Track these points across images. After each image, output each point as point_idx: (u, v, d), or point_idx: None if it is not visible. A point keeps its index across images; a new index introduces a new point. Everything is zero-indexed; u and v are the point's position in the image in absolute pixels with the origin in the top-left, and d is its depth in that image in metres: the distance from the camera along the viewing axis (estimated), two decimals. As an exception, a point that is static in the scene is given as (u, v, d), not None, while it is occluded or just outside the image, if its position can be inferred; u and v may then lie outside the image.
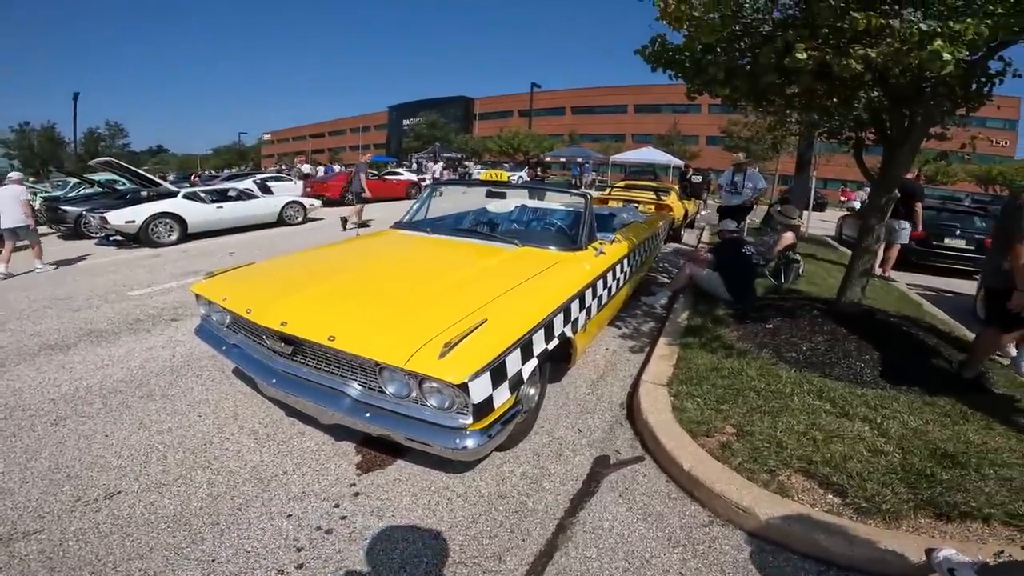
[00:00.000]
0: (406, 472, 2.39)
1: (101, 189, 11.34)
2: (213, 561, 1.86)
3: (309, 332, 2.13)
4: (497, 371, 2.00)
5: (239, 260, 7.01)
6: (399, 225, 4.03)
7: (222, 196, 9.78)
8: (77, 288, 5.71)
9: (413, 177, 20.91)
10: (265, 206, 10.44)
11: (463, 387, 1.81)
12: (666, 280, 5.76)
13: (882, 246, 4.12)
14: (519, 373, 2.17)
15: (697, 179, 14.13)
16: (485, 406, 1.94)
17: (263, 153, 78.06)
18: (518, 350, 2.15)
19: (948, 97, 3.32)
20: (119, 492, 2.22)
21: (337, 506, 2.14)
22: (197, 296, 2.85)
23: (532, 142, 35.01)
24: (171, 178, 19.55)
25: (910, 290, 6.47)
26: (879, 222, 4.04)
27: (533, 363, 2.30)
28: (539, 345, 2.36)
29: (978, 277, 6.30)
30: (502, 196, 4.63)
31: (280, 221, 10.68)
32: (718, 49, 3.48)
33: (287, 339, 2.25)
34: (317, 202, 11.85)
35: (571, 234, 3.63)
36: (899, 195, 5.30)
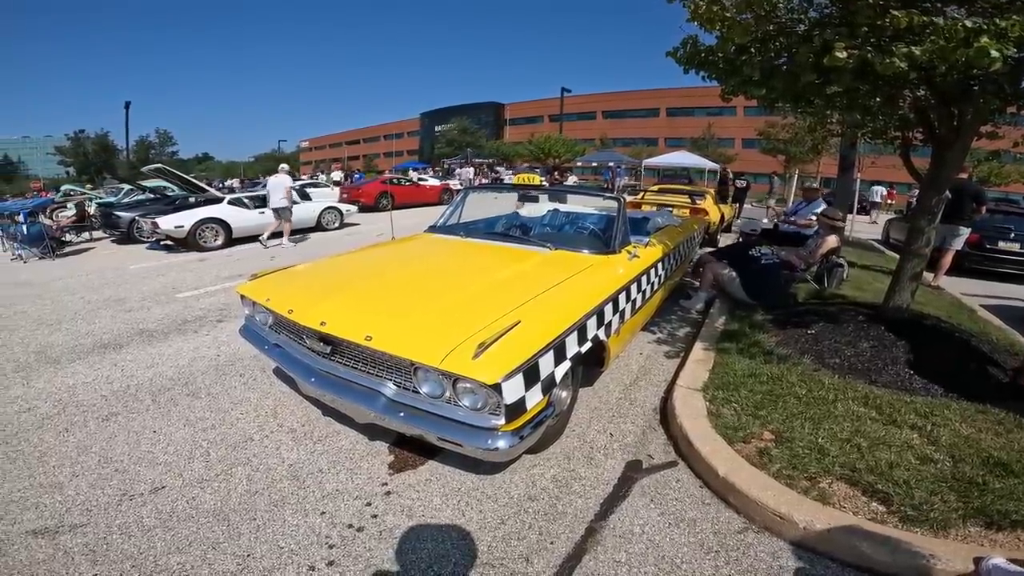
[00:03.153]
0: (437, 472, 2.42)
1: (153, 195, 11.90)
2: (248, 556, 1.91)
3: (347, 332, 2.20)
4: (530, 373, 2.00)
5: (279, 264, 7.38)
6: (433, 229, 4.12)
7: (264, 202, 10.14)
8: (131, 290, 6.06)
9: (444, 183, 21.16)
10: (304, 211, 10.73)
11: (496, 387, 1.82)
12: (697, 284, 5.64)
13: (929, 250, 3.92)
14: (552, 375, 2.17)
15: (741, 183, 13.72)
16: (518, 407, 1.95)
17: (301, 160, 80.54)
18: (551, 352, 2.15)
19: (997, 95, 3.13)
20: (164, 487, 2.33)
21: (369, 504, 2.19)
22: (242, 297, 2.97)
23: (563, 147, 34.90)
24: (216, 183, 20.42)
25: (962, 296, 6.10)
26: (929, 224, 3.86)
27: (566, 365, 2.30)
28: (572, 348, 2.36)
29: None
30: (535, 200, 4.64)
31: (318, 226, 11.05)
32: (752, 49, 3.38)
33: (326, 339, 2.33)
34: (353, 208, 12.16)
35: (604, 237, 3.63)
36: (951, 196, 5.21)
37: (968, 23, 2.42)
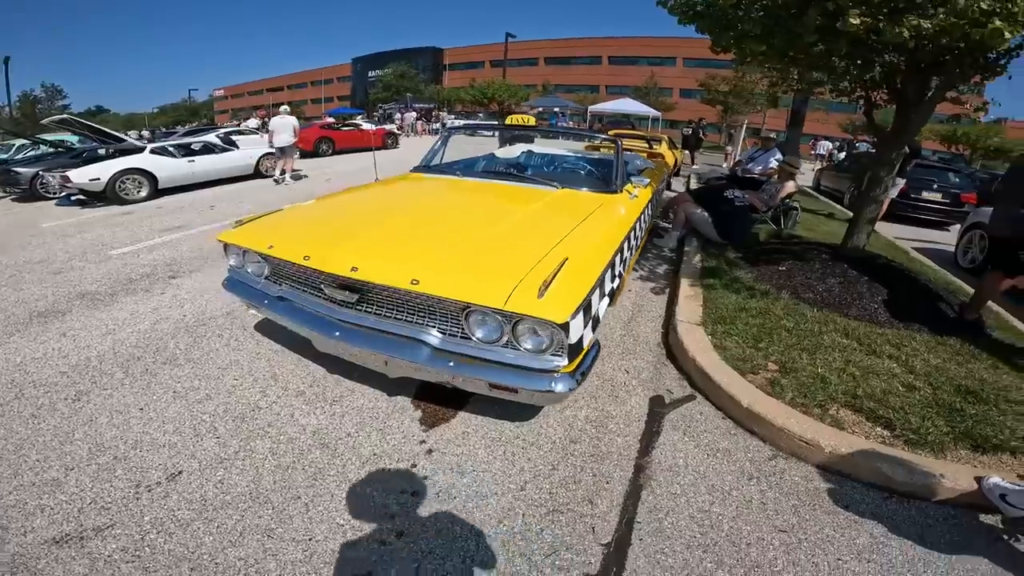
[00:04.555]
0: (472, 424, 2.35)
1: (54, 149, 10.43)
2: (310, 540, 1.75)
3: (386, 277, 1.99)
4: (586, 310, 1.96)
5: (225, 212, 6.94)
6: (422, 168, 3.92)
7: (193, 149, 9.16)
8: (51, 251, 5.29)
9: (381, 128, 20.04)
10: (241, 158, 9.93)
11: (564, 327, 1.75)
12: (667, 226, 5.87)
13: (885, 197, 4.34)
14: (598, 312, 2.16)
15: (687, 131, 14.50)
16: (577, 346, 1.91)
17: (216, 109, 73.35)
18: (598, 289, 2.12)
19: (971, 66, 3.40)
20: (180, 472, 2.09)
21: (415, 466, 2.08)
22: (226, 246, 2.64)
23: (507, 92, 33.77)
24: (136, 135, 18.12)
25: (896, 240, 6.71)
26: (888, 174, 4.20)
27: (605, 302, 2.31)
28: (608, 284, 2.37)
29: (957, 228, 6.72)
30: (529, 141, 4.55)
31: (257, 173, 10.23)
32: (754, 5, 3.42)
33: (353, 286, 2.12)
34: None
35: (606, 177, 3.60)
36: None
37: (984, 4, 2.56)
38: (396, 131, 20.01)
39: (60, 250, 5.29)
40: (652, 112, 25.28)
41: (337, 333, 2.19)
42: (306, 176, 10.61)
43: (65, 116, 8.05)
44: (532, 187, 3.31)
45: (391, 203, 3.14)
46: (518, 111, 33.54)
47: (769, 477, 2.06)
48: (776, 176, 6.37)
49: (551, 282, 1.79)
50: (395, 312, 2.11)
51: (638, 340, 3.25)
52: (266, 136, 16.20)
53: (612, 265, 2.44)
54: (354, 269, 2.04)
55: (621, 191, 3.33)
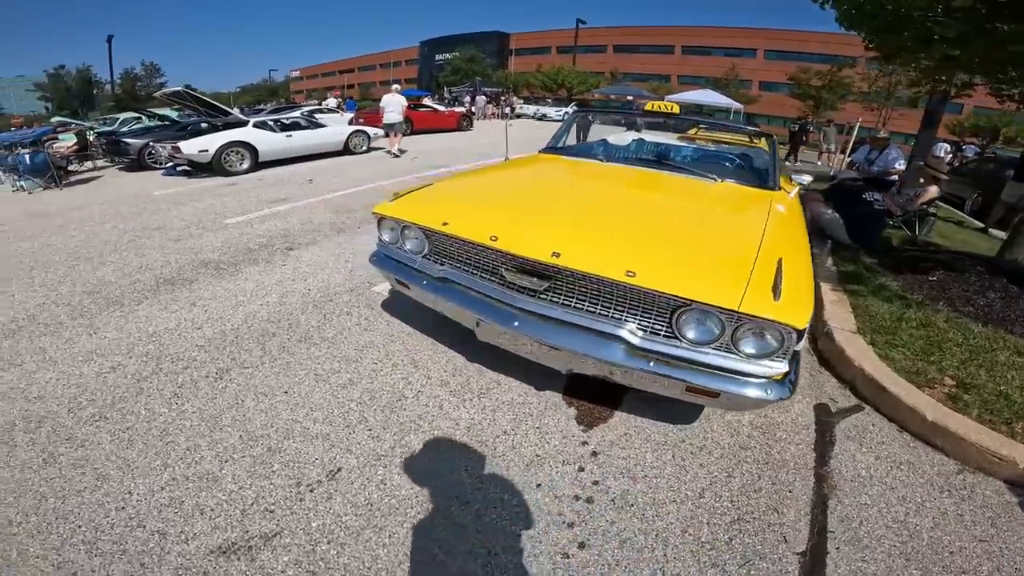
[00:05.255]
0: (633, 425, 2.18)
1: (160, 122, 10.98)
2: (489, 553, 1.53)
3: (596, 266, 1.77)
4: None
5: (323, 186, 6.89)
6: (551, 150, 3.63)
7: (290, 125, 9.28)
8: (166, 218, 5.34)
9: (452, 111, 19.94)
10: (332, 135, 10.00)
11: (801, 332, 1.61)
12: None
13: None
14: None
15: (793, 127, 13.51)
16: (797, 352, 1.77)
17: (292, 89, 76.78)
18: None
19: None
20: (339, 469, 1.85)
21: (582, 470, 1.90)
22: (382, 218, 2.39)
23: (576, 78, 32.80)
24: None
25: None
26: None
27: None
28: None
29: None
30: (671, 129, 4.27)
31: (346, 150, 10.30)
32: (952, 13, 3.30)
33: (542, 273, 1.88)
34: (380, 131, 11.24)
35: (762, 172, 3.29)
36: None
37: None
38: (470, 114, 19.79)
39: (175, 217, 5.32)
40: (734, 104, 23.76)
41: (516, 323, 1.94)
42: (396, 153, 10.55)
43: (179, 89, 8.27)
44: (691, 178, 3.02)
45: (554, 185, 2.86)
46: (588, 98, 32.63)
47: (960, 490, 1.94)
48: (900, 179, 5.75)
49: (779, 283, 1.67)
50: (587, 304, 1.88)
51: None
52: (345, 115, 16.84)
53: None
54: (555, 255, 1.83)
55: (779, 188, 3.05)
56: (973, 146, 19.44)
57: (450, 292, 2.16)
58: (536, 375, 2.36)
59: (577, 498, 1.76)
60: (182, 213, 5.52)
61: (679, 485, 1.86)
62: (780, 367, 1.69)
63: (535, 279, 1.89)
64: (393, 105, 9.99)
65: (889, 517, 1.78)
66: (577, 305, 1.88)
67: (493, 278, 2.05)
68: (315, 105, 20.14)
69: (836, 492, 1.88)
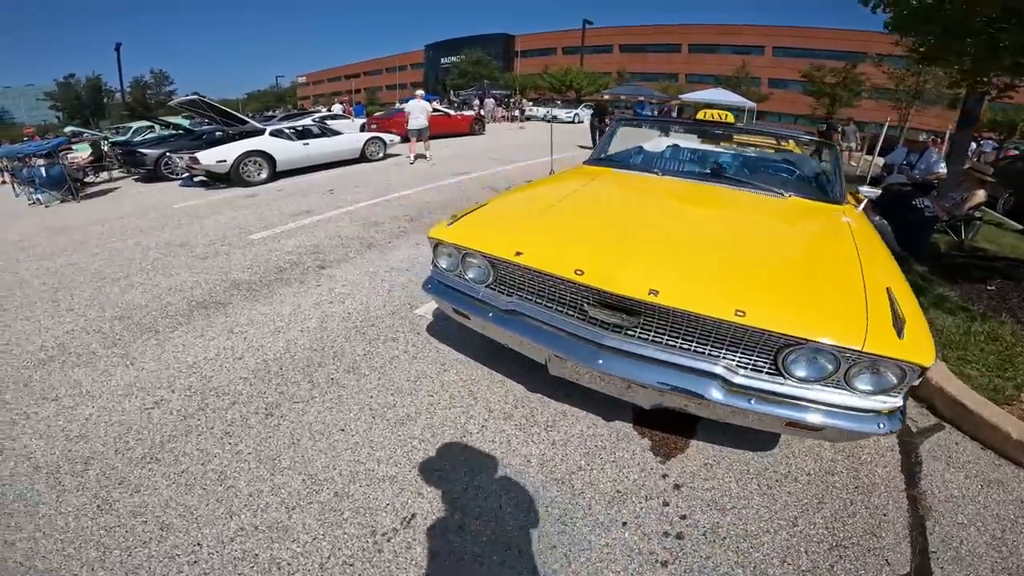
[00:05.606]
0: (711, 455, 2.10)
1: (175, 131, 10.91)
2: None
3: (703, 306, 1.64)
4: None
5: (345, 197, 6.75)
6: (597, 162, 3.48)
7: (306, 133, 9.20)
8: (189, 233, 5.22)
9: (462, 114, 19.84)
10: (349, 142, 9.89)
11: (925, 369, 1.53)
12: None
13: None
14: None
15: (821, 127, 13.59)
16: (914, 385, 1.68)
17: (299, 95, 77.25)
18: None
19: None
20: (413, 515, 1.71)
21: (667, 504, 1.83)
22: (438, 244, 2.22)
23: (585, 79, 32.62)
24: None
25: None
26: None
27: None
28: None
29: None
30: (728, 139, 4.04)
31: (362, 157, 10.16)
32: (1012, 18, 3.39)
33: (634, 309, 1.75)
34: (396, 138, 11.16)
35: (828, 184, 3.13)
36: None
37: None
38: (481, 117, 19.68)
39: (198, 232, 5.21)
40: (747, 103, 23.42)
41: (600, 361, 1.78)
42: (416, 161, 10.47)
43: (194, 97, 8.12)
44: (758, 193, 2.87)
45: (622, 205, 2.69)
46: (597, 99, 32.42)
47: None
48: (939, 182, 5.51)
49: (899, 317, 1.60)
50: (681, 340, 1.76)
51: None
52: (356, 120, 16.76)
53: None
54: (653, 292, 1.69)
55: (844, 201, 2.94)
56: (991, 141, 19.06)
57: (520, 326, 2.00)
58: (601, 405, 2.24)
59: (667, 534, 1.70)
60: (205, 228, 5.40)
61: (769, 515, 1.80)
62: (895, 402, 1.63)
63: (624, 315, 1.76)
64: (419, 111, 9.92)
65: (988, 535, 1.77)
66: (670, 342, 1.76)
67: (572, 312, 1.90)
68: (325, 111, 20.05)
69: (932, 513, 1.86)
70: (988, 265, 4.36)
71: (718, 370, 1.69)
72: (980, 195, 5.68)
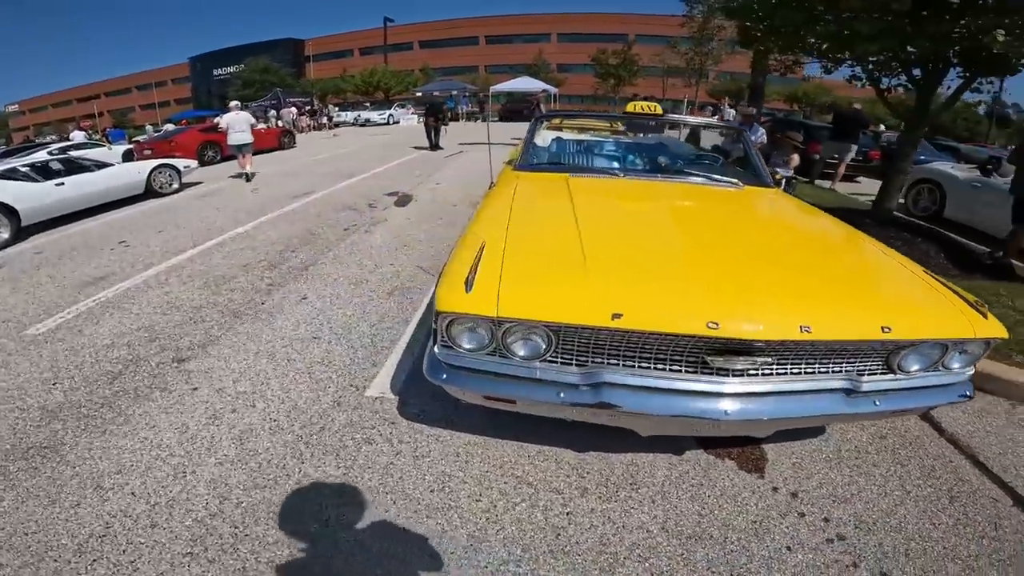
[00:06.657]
0: (789, 453, 2.08)
1: None
2: None
3: (855, 332, 1.57)
4: None
5: (145, 248, 5.04)
6: (530, 167, 3.10)
7: (53, 171, 6.70)
8: None
9: (268, 127, 17.47)
10: (126, 175, 7.50)
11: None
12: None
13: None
14: None
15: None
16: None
17: (12, 126, 60.09)
18: None
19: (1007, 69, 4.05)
20: None
21: (803, 515, 1.79)
22: (455, 320, 1.57)
23: (394, 79, 31.44)
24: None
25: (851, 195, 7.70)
26: (912, 148, 5.07)
27: None
28: None
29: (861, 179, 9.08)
30: (654, 130, 4.18)
31: (149, 192, 7.85)
32: (872, 13, 4.06)
33: (738, 349, 1.54)
34: (193, 163, 8.95)
35: (756, 168, 3.23)
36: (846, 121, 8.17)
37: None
38: (290, 129, 17.36)
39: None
40: (552, 88, 25.46)
41: (727, 412, 1.55)
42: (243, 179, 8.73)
43: None
44: (713, 185, 2.90)
45: (630, 226, 2.28)
46: (405, 98, 31.50)
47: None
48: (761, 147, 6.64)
49: (972, 301, 1.71)
50: (804, 366, 1.65)
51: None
52: (115, 147, 13.13)
53: None
54: (805, 329, 1.53)
55: (773, 184, 3.07)
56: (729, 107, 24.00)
57: (616, 396, 1.55)
58: (661, 439, 2.01)
59: (829, 541, 1.69)
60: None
61: (884, 488, 1.91)
62: (971, 371, 1.80)
63: (749, 357, 1.55)
64: (240, 124, 9.09)
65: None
66: (794, 371, 1.64)
67: (688, 366, 1.59)
68: (62, 142, 15.18)
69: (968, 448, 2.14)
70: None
71: (837, 383, 1.68)
72: (795, 159, 6.36)
